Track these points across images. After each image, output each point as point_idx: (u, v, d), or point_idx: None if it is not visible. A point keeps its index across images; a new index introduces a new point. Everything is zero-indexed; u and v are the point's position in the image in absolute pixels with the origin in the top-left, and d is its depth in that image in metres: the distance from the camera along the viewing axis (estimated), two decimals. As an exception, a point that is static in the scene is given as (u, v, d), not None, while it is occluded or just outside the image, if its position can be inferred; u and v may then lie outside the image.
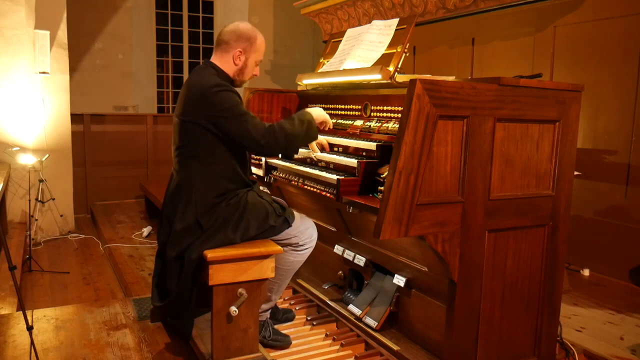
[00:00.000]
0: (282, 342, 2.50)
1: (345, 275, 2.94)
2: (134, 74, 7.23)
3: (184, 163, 2.31)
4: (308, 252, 2.49)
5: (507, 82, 1.98)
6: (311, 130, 2.39)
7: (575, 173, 2.32)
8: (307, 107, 2.68)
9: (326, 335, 2.63)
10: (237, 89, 2.33)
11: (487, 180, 2.01)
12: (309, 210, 3.03)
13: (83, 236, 5.25)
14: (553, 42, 4.02)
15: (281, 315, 2.77)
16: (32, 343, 2.15)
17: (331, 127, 2.58)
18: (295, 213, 2.49)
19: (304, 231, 2.45)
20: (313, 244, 2.50)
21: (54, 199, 5.08)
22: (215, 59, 2.37)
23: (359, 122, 2.60)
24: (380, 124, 2.44)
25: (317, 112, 2.49)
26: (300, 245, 2.44)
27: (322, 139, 2.57)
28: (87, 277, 4.13)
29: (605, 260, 3.70)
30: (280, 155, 2.83)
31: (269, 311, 2.56)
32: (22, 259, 4.12)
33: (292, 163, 2.70)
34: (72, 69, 5.91)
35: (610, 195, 3.70)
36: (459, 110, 1.89)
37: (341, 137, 2.62)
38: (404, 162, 1.79)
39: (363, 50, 2.67)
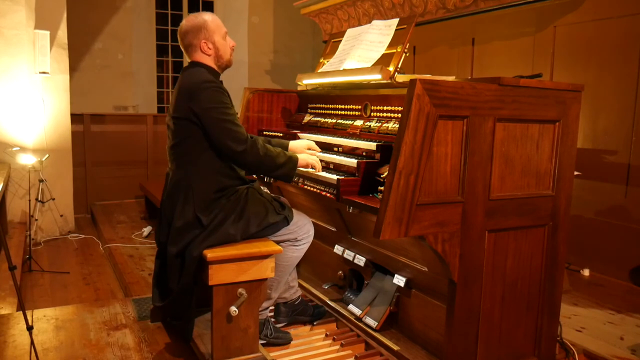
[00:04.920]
0: (284, 340, 2.52)
1: (345, 275, 2.94)
2: (134, 74, 7.23)
3: (179, 161, 2.32)
4: (305, 247, 2.53)
5: (507, 82, 1.98)
6: (290, 167, 2.34)
7: (575, 173, 2.32)
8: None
9: (326, 335, 2.63)
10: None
11: (487, 180, 2.01)
12: (309, 210, 3.03)
13: (83, 236, 5.24)
14: (553, 42, 4.02)
15: (312, 311, 2.77)
16: (32, 343, 2.15)
17: (319, 169, 2.41)
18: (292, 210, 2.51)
19: (302, 227, 2.49)
20: (310, 239, 2.54)
21: (53, 199, 5.08)
22: (195, 59, 2.38)
23: (359, 122, 2.60)
24: (380, 124, 2.44)
25: (303, 156, 2.41)
26: (298, 241, 2.48)
27: (315, 160, 2.43)
28: (87, 277, 4.13)
29: (605, 260, 3.70)
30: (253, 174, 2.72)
31: (269, 309, 2.57)
32: (22, 259, 4.12)
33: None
34: (72, 69, 5.91)
35: (610, 195, 3.70)
36: (459, 110, 1.89)
37: (341, 137, 2.62)
38: (404, 162, 1.79)
39: (363, 50, 2.67)
